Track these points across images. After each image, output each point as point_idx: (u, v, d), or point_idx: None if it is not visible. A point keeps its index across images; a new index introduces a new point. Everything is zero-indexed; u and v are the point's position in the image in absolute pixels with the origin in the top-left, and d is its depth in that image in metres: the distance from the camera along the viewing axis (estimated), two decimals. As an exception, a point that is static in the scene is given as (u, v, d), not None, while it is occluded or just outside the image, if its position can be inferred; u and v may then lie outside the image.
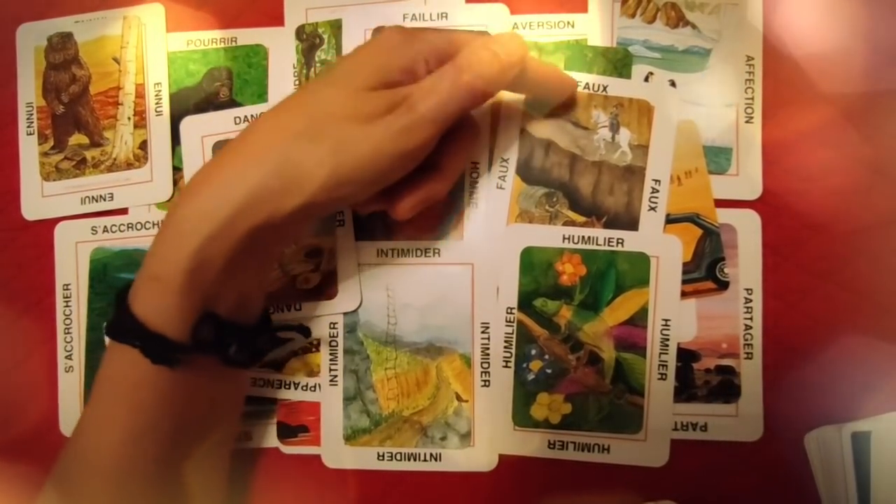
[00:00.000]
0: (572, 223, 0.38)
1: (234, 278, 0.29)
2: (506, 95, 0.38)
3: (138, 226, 0.40)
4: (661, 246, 0.37)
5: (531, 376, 0.37)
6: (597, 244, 0.37)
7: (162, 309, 0.28)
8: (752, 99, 0.38)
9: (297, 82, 0.41)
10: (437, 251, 0.38)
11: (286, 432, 0.39)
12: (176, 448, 0.31)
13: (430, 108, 0.29)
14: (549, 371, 0.37)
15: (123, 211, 0.41)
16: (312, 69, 0.40)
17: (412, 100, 0.29)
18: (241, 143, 0.29)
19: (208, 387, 0.31)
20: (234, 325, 0.31)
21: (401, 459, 0.38)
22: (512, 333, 0.37)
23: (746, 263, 0.37)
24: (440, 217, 0.39)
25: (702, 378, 0.37)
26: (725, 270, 0.37)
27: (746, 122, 0.38)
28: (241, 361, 0.32)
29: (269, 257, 0.33)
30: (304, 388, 0.39)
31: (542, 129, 0.38)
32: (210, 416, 0.32)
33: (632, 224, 0.38)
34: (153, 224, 0.40)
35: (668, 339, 0.37)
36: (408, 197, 0.33)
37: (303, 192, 0.28)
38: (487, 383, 0.38)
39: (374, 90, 0.29)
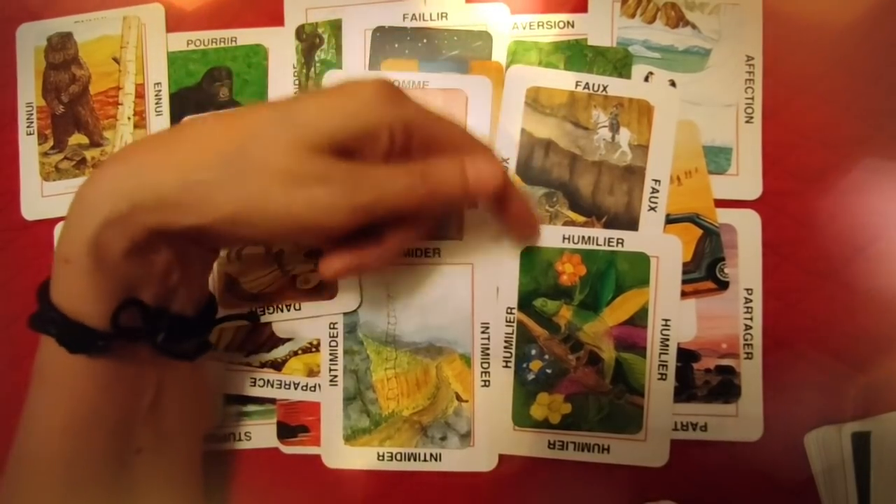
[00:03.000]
0: (572, 223, 0.38)
1: (149, 269, 0.28)
2: (507, 95, 0.38)
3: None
4: (661, 246, 0.37)
5: (531, 376, 0.37)
6: (597, 244, 0.37)
7: (77, 293, 0.27)
8: (752, 99, 0.38)
9: (296, 82, 0.41)
10: (437, 251, 0.38)
11: (286, 432, 0.39)
12: (123, 442, 0.30)
13: (370, 201, 0.27)
14: (549, 371, 0.37)
15: (123, 211, 0.41)
16: (312, 69, 0.40)
17: (354, 183, 0.27)
18: (169, 139, 0.28)
19: (153, 378, 0.30)
20: (165, 312, 0.30)
21: (401, 459, 0.38)
22: (512, 333, 0.37)
23: (746, 263, 0.37)
24: (440, 217, 0.39)
25: (702, 378, 0.37)
26: (725, 270, 0.37)
27: (746, 122, 0.38)
28: (177, 352, 0.31)
29: (187, 259, 0.30)
30: (304, 388, 0.39)
31: (542, 129, 0.38)
32: (158, 409, 0.31)
33: (632, 224, 0.38)
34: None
35: (668, 340, 0.37)
36: (336, 258, 0.31)
37: (201, 216, 0.26)
38: (487, 383, 0.38)
39: (322, 152, 0.26)
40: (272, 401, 0.39)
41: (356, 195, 0.27)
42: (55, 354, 0.28)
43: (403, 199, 0.28)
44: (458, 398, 0.38)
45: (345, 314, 0.39)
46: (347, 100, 0.27)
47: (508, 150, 0.38)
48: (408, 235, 0.32)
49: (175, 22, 0.42)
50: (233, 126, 0.27)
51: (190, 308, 0.32)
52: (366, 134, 0.27)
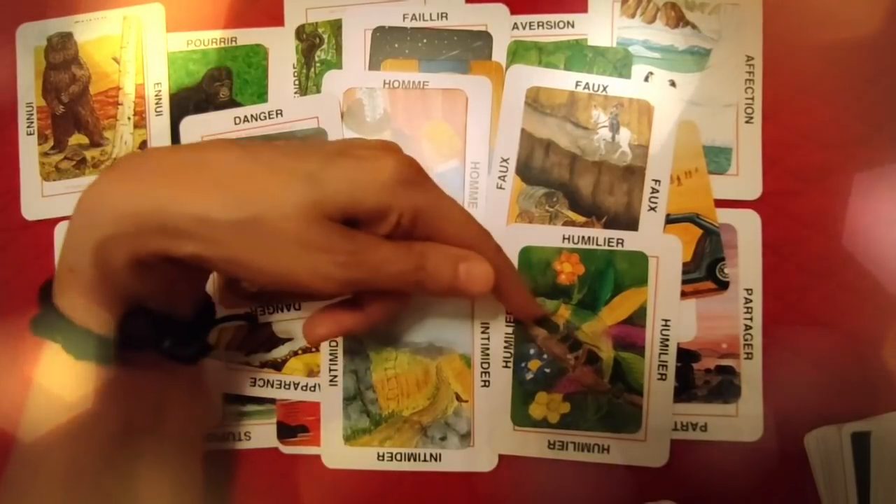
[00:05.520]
0: (572, 223, 0.38)
1: (151, 280, 0.28)
2: (507, 95, 0.38)
3: (138, 226, 0.40)
4: (661, 246, 0.37)
5: (529, 375, 0.37)
6: (597, 244, 0.37)
7: (82, 301, 0.27)
8: (752, 99, 0.38)
9: (296, 82, 0.41)
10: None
11: (286, 432, 0.39)
12: (125, 447, 0.30)
13: (363, 278, 0.28)
14: (547, 370, 0.37)
15: (123, 211, 0.41)
16: (312, 69, 0.40)
17: (354, 258, 0.27)
18: (186, 166, 0.27)
19: (156, 383, 0.30)
20: (169, 318, 0.30)
21: (401, 459, 0.38)
22: (512, 334, 0.37)
23: (746, 263, 0.37)
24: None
25: (702, 378, 0.37)
26: (725, 270, 0.37)
27: (746, 122, 0.38)
28: (182, 356, 0.31)
29: (188, 271, 0.29)
30: (304, 388, 0.39)
31: (542, 129, 0.38)
32: (161, 413, 0.31)
33: (632, 224, 0.38)
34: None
35: (668, 340, 0.37)
36: (319, 324, 0.32)
37: (203, 250, 0.26)
38: (487, 383, 0.38)
39: (333, 221, 0.27)
40: (272, 401, 0.39)
41: (352, 270, 0.27)
42: (58, 361, 0.28)
43: (394, 283, 0.29)
44: (458, 398, 0.38)
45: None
46: (369, 175, 0.27)
47: (508, 150, 0.38)
48: (389, 307, 0.32)
49: (175, 22, 0.42)
50: (255, 173, 0.27)
51: (189, 311, 0.32)
52: (377, 214, 0.27)
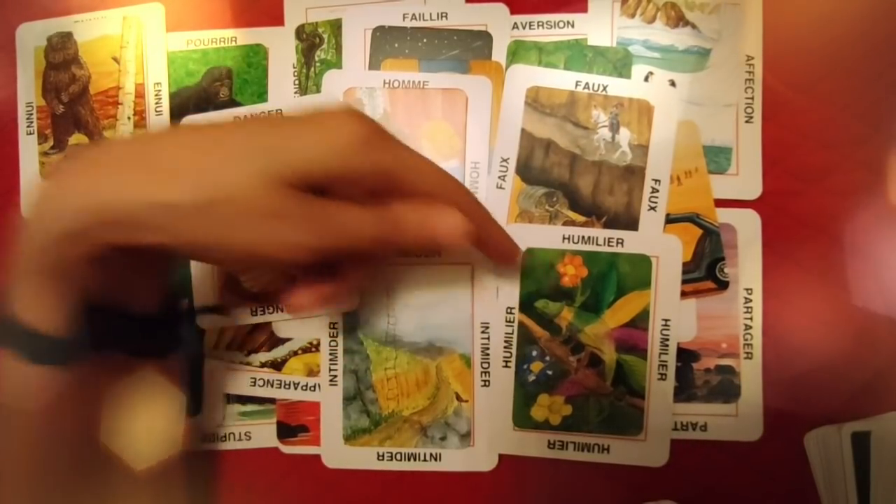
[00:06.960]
0: (572, 223, 0.38)
1: (108, 275, 0.27)
2: (507, 95, 0.38)
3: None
4: (661, 246, 0.37)
5: (532, 377, 0.37)
6: (597, 244, 0.37)
7: (35, 303, 0.26)
8: (752, 99, 0.38)
9: (296, 82, 0.41)
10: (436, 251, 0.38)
11: (286, 432, 0.39)
12: (92, 448, 0.29)
13: (334, 244, 0.27)
14: (549, 372, 0.37)
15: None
16: (312, 69, 0.40)
17: (322, 224, 0.26)
18: (141, 155, 0.26)
19: (121, 380, 0.30)
20: (128, 314, 0.29)
21: (400, 459, 0.38)
22: (512, 333, 0.37)
23: (746, 263, 0.37)
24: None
25: (702, 378, 0.37)
26: (725, 270, 0.37)
27: (746, 122, 0.38)
28: (147, 352, 0.30)
29: (148, 264, 0.29)
30: (304, 388, 0.39)
31: (542, 129, 0.38)
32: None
33: (632, 224, 0.38)
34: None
35: (667, 339, 0.37)
36: (300, 296, 0.31)
37: (164, 237, 0.26)
38: (487, 383, 0.38)
39: (293, 187, 0.26)
40: (272, 401, 0.39)
41: (318, 236, 0.26)
42: (14, 367, 0.27)
43: (367, 245, 0.28)
44: (458, 398, 0.38)
45: (344, 314, 0.39)
46: (329, 139, 0.26)
47: (508, 150, 0.38)
48: (366, 272, 0.32)
49: (175, 22, 0.42)
50: (210, 152, 0.26)
51: (153, 305, 0.31)
52: (343, 178, 0.27)
